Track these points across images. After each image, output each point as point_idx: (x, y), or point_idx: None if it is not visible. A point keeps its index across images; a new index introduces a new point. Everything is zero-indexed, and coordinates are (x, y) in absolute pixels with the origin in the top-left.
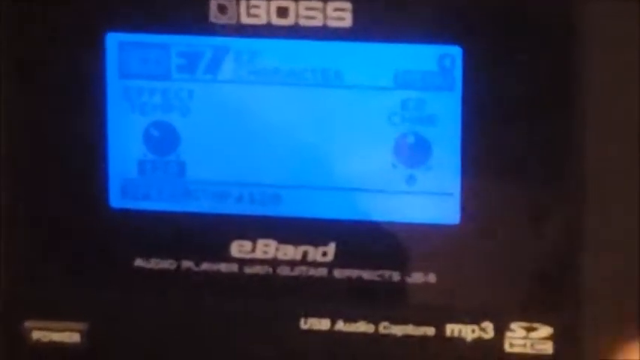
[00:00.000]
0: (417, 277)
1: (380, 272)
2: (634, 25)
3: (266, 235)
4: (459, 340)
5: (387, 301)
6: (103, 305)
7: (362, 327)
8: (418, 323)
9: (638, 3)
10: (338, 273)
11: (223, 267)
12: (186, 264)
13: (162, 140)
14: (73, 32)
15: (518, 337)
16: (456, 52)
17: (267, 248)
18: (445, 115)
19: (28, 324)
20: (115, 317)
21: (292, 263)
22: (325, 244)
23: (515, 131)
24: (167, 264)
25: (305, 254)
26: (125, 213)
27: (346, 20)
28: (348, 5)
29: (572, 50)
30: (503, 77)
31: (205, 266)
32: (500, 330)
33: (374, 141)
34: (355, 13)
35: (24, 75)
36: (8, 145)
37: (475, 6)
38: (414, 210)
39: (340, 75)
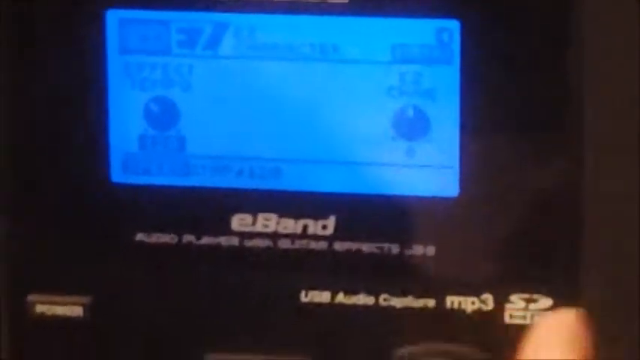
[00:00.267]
0: (416, 250)
1: (380, 245)
2: None
3: (266, 209)
4: (459, 312)
5: (387, 273)
6: (106, 279)
7: (362, 299)
8: (418, 295)
9: None
10: (338, 246)
11: (224, 240)
12: (187, 238)
13: (163, 115)
14: (73, 10)
15: (518, 308)
16: (453, 25)
17: (267, 222)
18: (444, 88)
19: (31, 298)
20: (118, 291)
21: (292, 236)
22: (325, 217)
23: (514, 103)
24: (168, 238)
25: (305, 227)
26: (126, 188)
27: None
28: None
29: (569, 19)
30: (501, 50)
31: (206, 240)
32: (500, 302)
33: (373, 114)
34: None
35: (24, 53)
36: (9, 122)
37: None
38: (413, 183)
39: (338, 49)
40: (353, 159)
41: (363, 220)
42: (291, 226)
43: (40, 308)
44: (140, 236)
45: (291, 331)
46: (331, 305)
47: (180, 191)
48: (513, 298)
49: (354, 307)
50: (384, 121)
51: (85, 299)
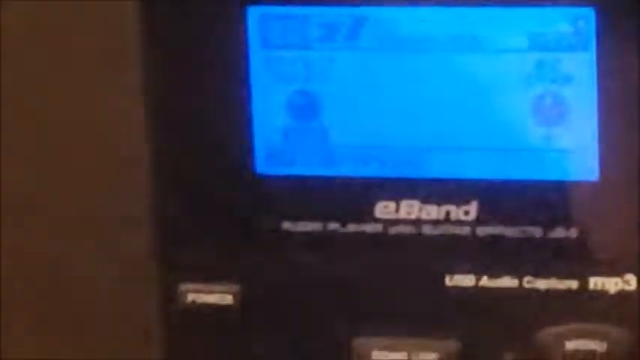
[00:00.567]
0: (558, 233)
1: (522, 228)
2: None
3: (409, 196)
4: (602, 293)
5: (530, 256)
6: (253, 268)
7: (506, 282)
8: (561, 277)
9: None
10: (480, 230)
11: (368, 228)
12: (332, 226)
13: (305, 107)
14: (215, 7)
15: None
16: (589, 12)
17: (410, 209)
18: (581, 74)
19: (183, 287)
20: (266, 279)
21: (435, 222)
22: (467, 203)
23: None
24: (313, 226)
25: (448, 213)
26: (271, 178)
27: None
28: None
29: None
30: (636, 35)
31: (350, 228)
32: None
33: (512, 102)
34: None
35: (168, 52)
36: (156, 120)
37: None
38: (553, 167)
39: (477, 39)
40: (493, 145)
41: (505, 205)
42: (433, 212)
43: (191, 297)
44: (286, 225)
45: (436, 315)
46: (475, 288)
47: (324, 181)
48: None
49: (498, 289)
50: (523, 107)
51: (234, 287)
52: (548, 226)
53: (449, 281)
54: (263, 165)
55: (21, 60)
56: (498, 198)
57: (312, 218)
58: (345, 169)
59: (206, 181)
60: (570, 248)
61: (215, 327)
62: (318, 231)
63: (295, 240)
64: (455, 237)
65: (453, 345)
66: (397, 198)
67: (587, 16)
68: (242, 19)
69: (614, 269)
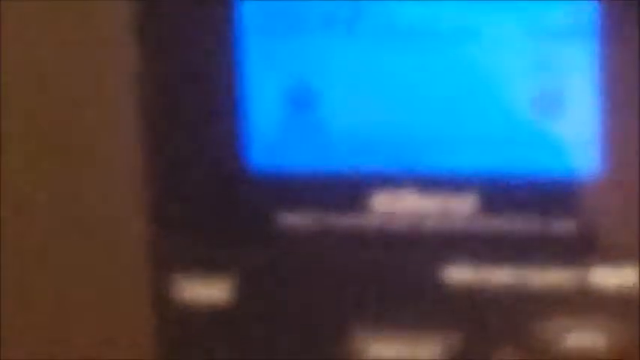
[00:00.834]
0: (558, 226)
1: (521, 221)
2: None
3: (407, 189)
4: (603, 287)
5: (530, 249)
6: (249, 261)
7: (505, 275)
8: (561, 270)
9: None
10: (480, 223)
11: (365, 221)
12: (329, 219)
13: (302, 99)
14: None
15: None
16: (590, 4)
17: (408, 201)
18: (582, 65)
19: (177, 282)
20: (262, 273)
21: (434, 215)
22: (466, 195)
23: None
24: (310, 219)
25: (446, 206)
26: (268, 171)
27: None
28: None
29: None
30: (638, 26)
31: (348, 221)
32: None
33: (513, 93)
34: None
35: (160, 41)
36: (150, 113)
37: None
38: (553, 159)
39: (476, 30)
40: (493, 137)
41: (504, 198)
42: (432, 205)
43: (185, 290)
44: (282, 218)
45: (435, 308)
46: (474, 282)
47: (321, 173)
48: None
49: (497, 283)
50: (523, 99)
51: (230, 282)
52: (548, 219)
53: (447, 274)
54: (259, 157)
55: (21, 60)
56: (498, 190)
57: (308, 211)
58: (342, 162)
59: (202, 174)
60: (570, 242)
61: (210, 322)
62: (314, 224)
63: (292, 233)
64: (454, 230)
65: (452, 338)
66: (395, 191)
67: (589, 6)
68: (237, 6)
69: (614, 264)
